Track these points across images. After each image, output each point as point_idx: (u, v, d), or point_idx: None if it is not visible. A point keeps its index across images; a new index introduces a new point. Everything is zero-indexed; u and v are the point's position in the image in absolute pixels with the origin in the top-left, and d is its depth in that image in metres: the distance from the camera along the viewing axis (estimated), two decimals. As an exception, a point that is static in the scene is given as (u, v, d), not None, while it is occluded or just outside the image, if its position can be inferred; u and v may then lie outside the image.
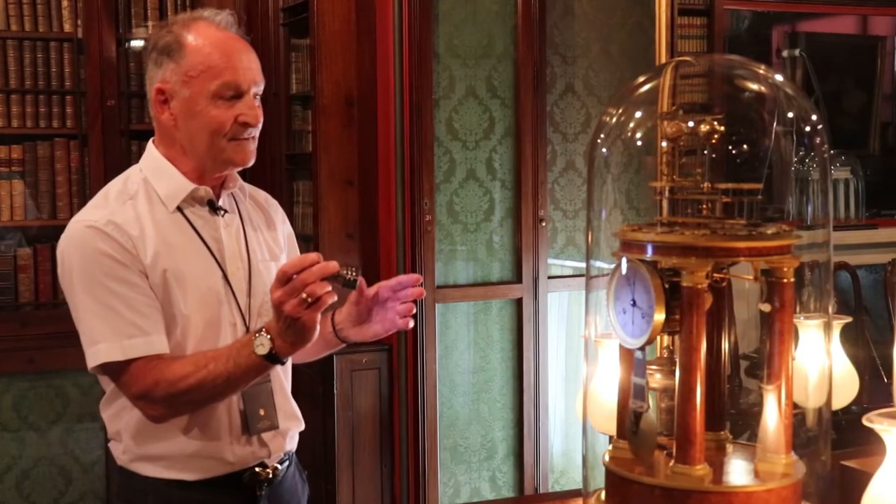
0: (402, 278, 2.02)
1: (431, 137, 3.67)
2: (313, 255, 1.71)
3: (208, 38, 1.90)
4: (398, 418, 3.81)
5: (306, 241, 3.89)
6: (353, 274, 1.73)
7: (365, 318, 2.03)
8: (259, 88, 1.93)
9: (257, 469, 1.95)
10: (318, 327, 1.73)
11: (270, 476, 1.97)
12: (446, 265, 3.76)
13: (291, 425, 2.03)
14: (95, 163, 4.09)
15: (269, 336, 1.74)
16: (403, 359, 3.75)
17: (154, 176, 1.94)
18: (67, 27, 4.15)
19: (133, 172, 1.98)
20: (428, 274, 3.66)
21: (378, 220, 3.86)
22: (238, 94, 1.89)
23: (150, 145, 1.99)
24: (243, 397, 1.92)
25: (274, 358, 1.76)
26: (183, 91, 1.89)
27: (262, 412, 1.94)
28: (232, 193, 2.03)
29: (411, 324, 2.04)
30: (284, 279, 1.69)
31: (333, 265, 1.71)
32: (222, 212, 1.98)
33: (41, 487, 4.09)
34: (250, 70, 1.91)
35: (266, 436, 1.96)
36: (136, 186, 1.94)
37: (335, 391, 3.73)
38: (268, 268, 2.01)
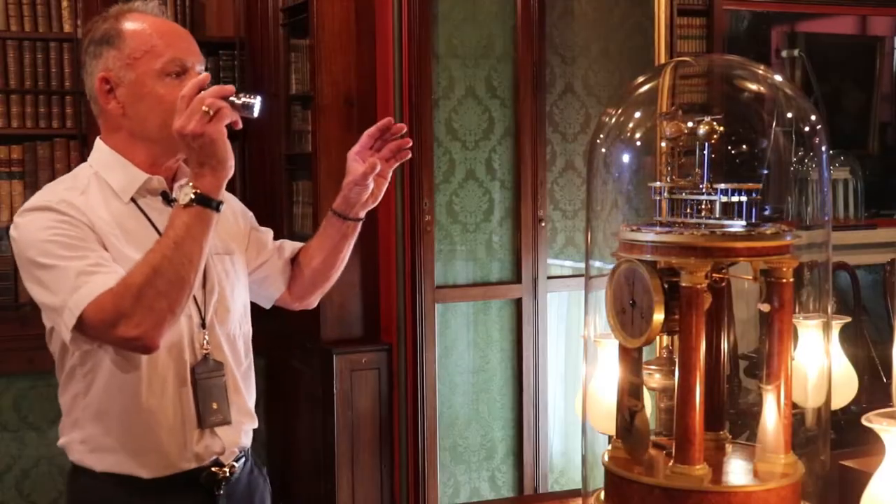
0: (381, 123, 2.06)
1: (431, 137, 3.67)
2: (207, 75, 1.78)
3: (145, 21, 1.93)
4: (398, 418, 3.81)
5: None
6: (251, 97, 1.77)
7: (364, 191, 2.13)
8: (201, 68, 1.95)
9: (214, 469, 1.96)
10: (228, 144, 1.75)
11: (227, 474, 1.97)
12: (446, 265, 3.76)
13: (245, 420, 2.03)
14: (95, 163, 4.09)
15: (189, 183, 1.77)
16: (403, 359, 3.75)
17: (105, 169, 1.94)
18: (67, 27, 4.15)
19: (81, 169, 1.98)
20: (427, 274, 3.66)
21: (378, 220, 3.86)
22: (183, 71, 1.91)
23: (97, 142, 1.98)
24: (196, 391, 1.92)
25: (204, 199, 1.76)
26: (128, 75, 1.90)
27: (214, 406, 1.94)
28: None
29: (409, 155, 2.11)
30: (184, 107, 1.73)
31: (230, 87, 1.75)
32: (175, 202, 1.97)
33: (41, 487, 4.09)
34: (191, 49, 1.95)
35: (219, 429, 1.96)
36: (87, 181, 1.93)
37: (335, 391, 3.73)
38: (222, 261, 2.02)
